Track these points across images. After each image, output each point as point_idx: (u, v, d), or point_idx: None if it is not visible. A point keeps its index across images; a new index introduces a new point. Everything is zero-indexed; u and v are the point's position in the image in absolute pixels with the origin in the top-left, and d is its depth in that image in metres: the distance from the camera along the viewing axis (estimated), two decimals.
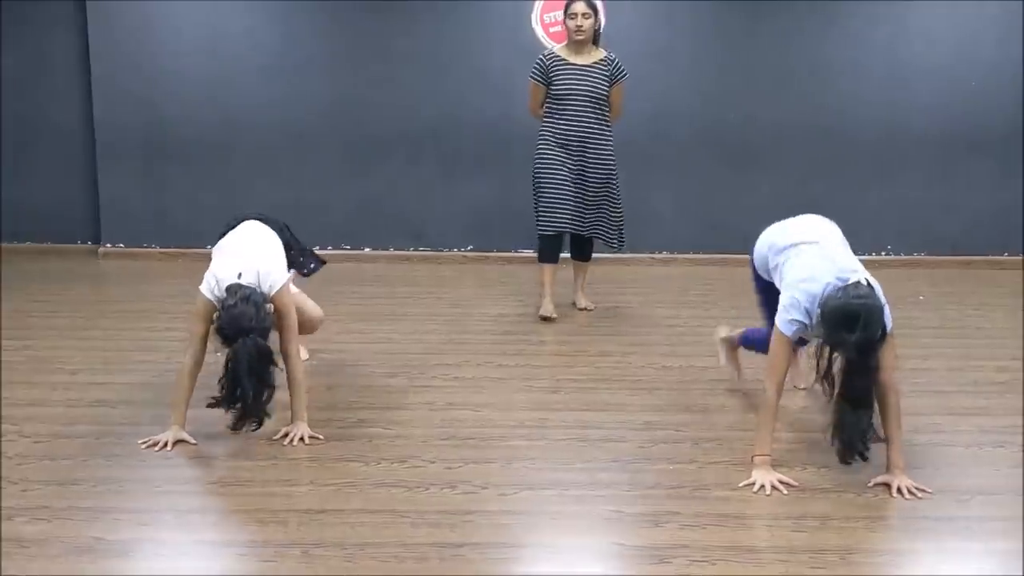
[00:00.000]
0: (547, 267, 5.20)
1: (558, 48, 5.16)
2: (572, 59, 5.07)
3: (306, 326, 3.89)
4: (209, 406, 3.29)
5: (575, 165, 5.09)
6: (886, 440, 3.09)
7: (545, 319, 5.08)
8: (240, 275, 3.37)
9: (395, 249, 6.96)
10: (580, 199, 5.12)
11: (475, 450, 3.36)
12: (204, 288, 3.43)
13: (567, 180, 5.08)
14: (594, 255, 5.49)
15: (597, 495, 3.03)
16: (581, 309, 5.33)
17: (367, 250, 6.94)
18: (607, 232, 5.26)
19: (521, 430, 3.56)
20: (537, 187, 5.16)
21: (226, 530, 2.86)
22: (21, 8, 6.78)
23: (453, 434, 3.50)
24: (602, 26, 5.16)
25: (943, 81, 6.68)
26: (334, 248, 6.86)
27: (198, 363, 3.42)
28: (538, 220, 5.16)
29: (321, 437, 3.43)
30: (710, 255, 6.88)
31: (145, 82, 6.77)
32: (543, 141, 5.13)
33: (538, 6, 6.53)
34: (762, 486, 3.04)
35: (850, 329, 2.85)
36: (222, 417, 3.36)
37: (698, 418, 3.70)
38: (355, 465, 3.22)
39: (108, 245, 6.96)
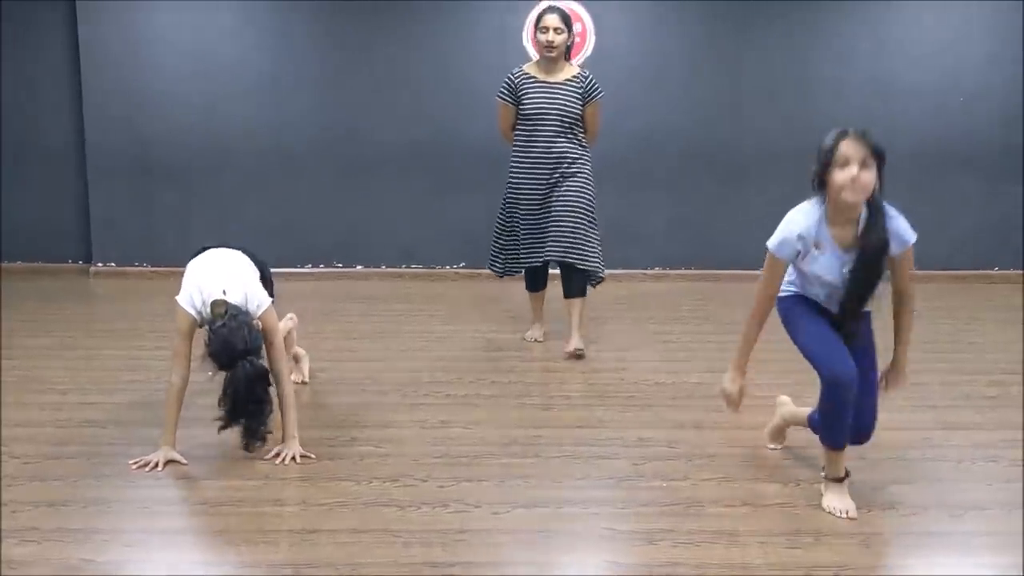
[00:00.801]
0: (532, 296, 5.09)
1: (528, 65, 4.87)
2: (542, 76, 4.77)
3: (287, 341, 3.88)
4: (220, 430, 3.28)
5: (545, 190, 4.78)
6: (896, 341, 3.02)
7: (535, 341, 5.00)
8: (225, 292, 3.35)
9: (387, 267, 6.96)
10: (546, 227, 4.78)
11: (468, 468, 3.35)
12: (184, 301, 3.40)
13: (528, 218, 4.82)
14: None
15: (590, 513, 3.02)
16: (569, 354, 4.68)
17: (359, 268, 6.94)
18: (581, 255, 4.76)
19: (514, 448, 3.55)
20: (498, 223, 5.00)
21: (217, 551, 2.84)
22: (13, 30, 6.79)
23: (446, 452, 3.49)
24: (584, 31, 4.94)
25: (929, 98, 6.72)
26: (326, 266, 6.86)
27: (185, 381, 3.41)
28: (489, 255, 5.10)
29: (313, 456, 3.41)
30: (702, 271, 6.91)
31: (136, 104, 6.78)
32: (513, 169, 4.87)
33: (529, 24, 6.55)
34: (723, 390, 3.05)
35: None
36: (212, 437, 3.34)
37: (691, 435, 3.69)
38: (347, 484, 3.20)
39: (99, 264, 6.95)
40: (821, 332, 2.96)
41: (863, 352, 2.99)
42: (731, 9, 6.65)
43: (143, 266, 6.91)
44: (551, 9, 4.71)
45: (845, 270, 2.86)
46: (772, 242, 2.97)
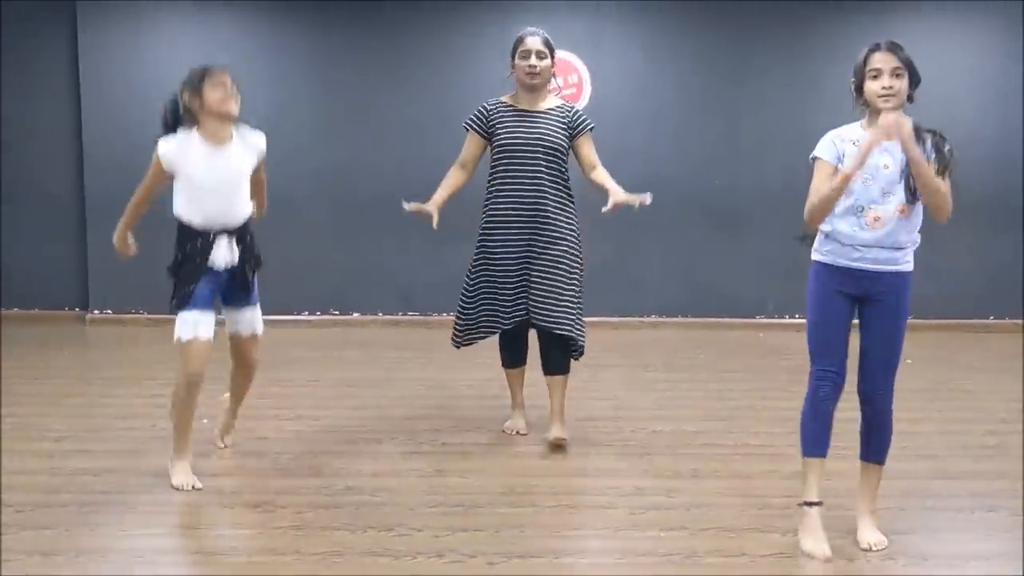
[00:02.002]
0: (510, 373, 4.33)
1: (505, 96, 4.22)
2: (521, 105, 4.14)
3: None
4: None
5: (526, 238, 4.08)
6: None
7: (517, 434, 4.26)
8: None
9: (384, 314, 6.96)
10: (527, 286, 4.08)
11: (463, 518, 3.32)
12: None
13: (508, 275, 4.11)
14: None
15: (587, 563, 2.99)
16: (551, 443, 4.06)
17: (356, 315, 6.94)
18: (561, 321, 4.02)
19: (510, 497, 3.52)
20: (466, 283, 4.25)
21: None
22: (13, 74, 6.86)
23: (441, 501, 3.46)
24: (558, 83, 4.27)
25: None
26: (323, 313, 6.86)
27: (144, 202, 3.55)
28: (454, 325, 4.31)
29: None
30: (699, 319, 6.91)
31: (136, 149, 6.78)
32: (488, 213, 4.18)
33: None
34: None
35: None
36: (208, 486, 3.31)
37: (689, 484, 3.67)
38: (341, 533, 3.17)
39: (96, 311, 6.94)
40: (825, 325, 3.01)
41: (891, 321, 3.03)
42: (726, 59, 6.75)
43: (140, 313, 6.91)
44: (532, 32, 4.11)
45: (883, 163, 2.92)
46: (815, 151, 3.04)
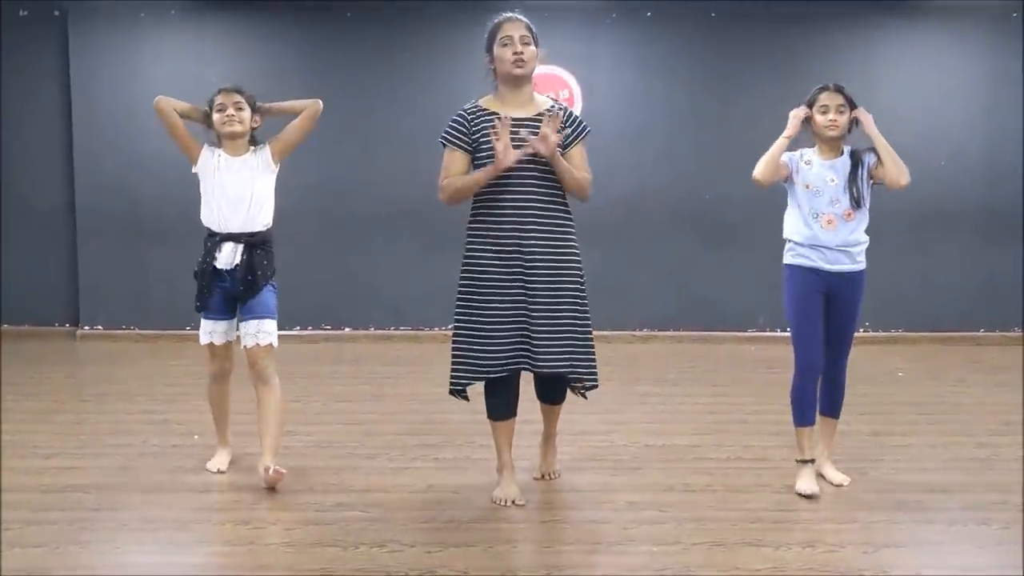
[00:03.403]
0: (498, 426, 3.63)
1: (484, 100, 3.56)
2: (506, 111, 3.44)
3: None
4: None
5: (513, 273, 3.45)
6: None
7: (513, 504, 3.56)
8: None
9: (375, 328, 6.95)
10: (521, 325, 3.46)
11: (456, 533, 3.30)
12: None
13: (501, 313, 3.47)
14: None
15: None
16: (538, 479, 3.82)
17: (347, 330, 6.92)
18: (570, 363, 3.53)
19: (503, 512, 3.51)
20: (456, 326, 3.59)
21: None
22: (4, 89, 6.84)
23: (434, 517, 3.45)
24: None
25: (911, 159, 6.69)
26: (314, 328, 6.84)
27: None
28: (452, 370, 3.60)
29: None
30: (690, 332, 6.92)
31: (127, 165, 6.82)
32: (472, 248, 3.54)
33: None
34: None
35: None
36: (199, 502, 3.29)
37: (682, 498, 3.66)
38: (333, 550, 3.16)
39: (86, 328, 6.91)
40: (806, 321, 3.65)
41: (848, 313, 3.69)
42: (716, 74, 6.79)
43: (131, 329, 6.88)
44: (511, 17, 3.50)
45: (829, 177, 3.63)
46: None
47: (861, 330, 6.89)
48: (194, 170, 3.84)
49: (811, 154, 3.70)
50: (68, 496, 3.63)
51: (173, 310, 6.82)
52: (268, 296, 3.77)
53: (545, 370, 3.47)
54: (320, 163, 6.78)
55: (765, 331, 6.90)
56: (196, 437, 4.38)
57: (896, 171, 3.65)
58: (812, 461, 3.72)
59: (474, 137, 3.48)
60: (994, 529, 3.36)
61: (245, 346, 3.74)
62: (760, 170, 3.67)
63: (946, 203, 6.87)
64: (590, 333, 3.63)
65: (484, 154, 3.45)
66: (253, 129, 3.87)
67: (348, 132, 6.80)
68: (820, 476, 3.77)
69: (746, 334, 6.91)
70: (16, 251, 6.96)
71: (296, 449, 4.20)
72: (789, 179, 3.70)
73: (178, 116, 3.83)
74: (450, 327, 6.26)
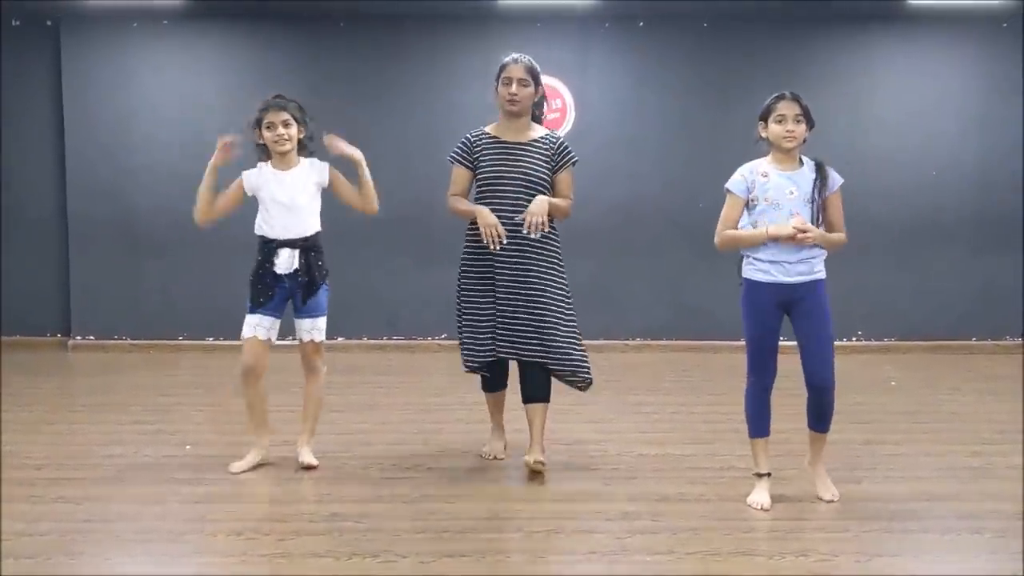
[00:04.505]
0: (490, 397, 4.32)
1: (490, 126, 4.18)
2: (504, 136, 4.10)
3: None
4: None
5: (504, 279, 4.01)
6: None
7: (494, 459, 4.24)
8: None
9: (369, 338, 6.94)
10: (511, 319, 4.02)
11: (449, 543, 3.30)
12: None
13: (489, 303, 4.05)
14: None
15: None
16: (530, 466, 3.99)
17: (340, 339, 6.91)
18: (559, 361, 4.03)
19: (495, 522, 3.50)
20: (459, 314, 4.18)
21: None
22: None
23: (427, 527, 3.44)
24: (545, 102, 4.20)
25: (904, 169, 6.85)
26: None
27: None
28: (462, 353, 4.18)
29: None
30: (684, 341, 6.92)
31: (120, 174, 6.81)
32: (467, 250, 4.12)
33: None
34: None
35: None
36: (191, 513, 3.27)
37: (675, 507, 3.66)
38: (326, 560, 3.15)
39: (78, 337, 6.89)
40: (761, 339, 3.70)
41: (817, 317, 3.61)
42: (710, 84, 6.80)
43: (123, 339, 6.86)
44: (516, 60, 4.07)
45: (788, 189, 3.54)
46: (728, 183, 3.68)
47: (854, 339, 6.92)
48: (249, 195, 4.07)
49: (766, 165, 3.60)
50: (59, 507, 3.62)
51: (166, 319, 6.83)
52: (323, 296, 4.07)
53: (525, 359, 4.04)
54: None
55: None
56: (188, 447, 4.37)
57: (835, 243, 3.60)
58: (768, 475, 3.69)
59: (475, 157, 4.12)
60: (988, 538, 3.37)
61: (301, 340, 4.07)
62: (721, 241, 3.69)
63: (939, 212, 6.89)
64: (573, 331, 4.10)
65: (483, 172, 4.09)
66: (299, 140, 4.05)
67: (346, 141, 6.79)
68: (816, 496, 3.71)
69: (740, 343, 6.87)
70: (7, 260, 6.95)
71: (288, 460, 4.18)
72: (749, 205, 3.63)
73: (217, 203, 4.05)
74: (443, 336, 6.36)
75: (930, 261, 6.96)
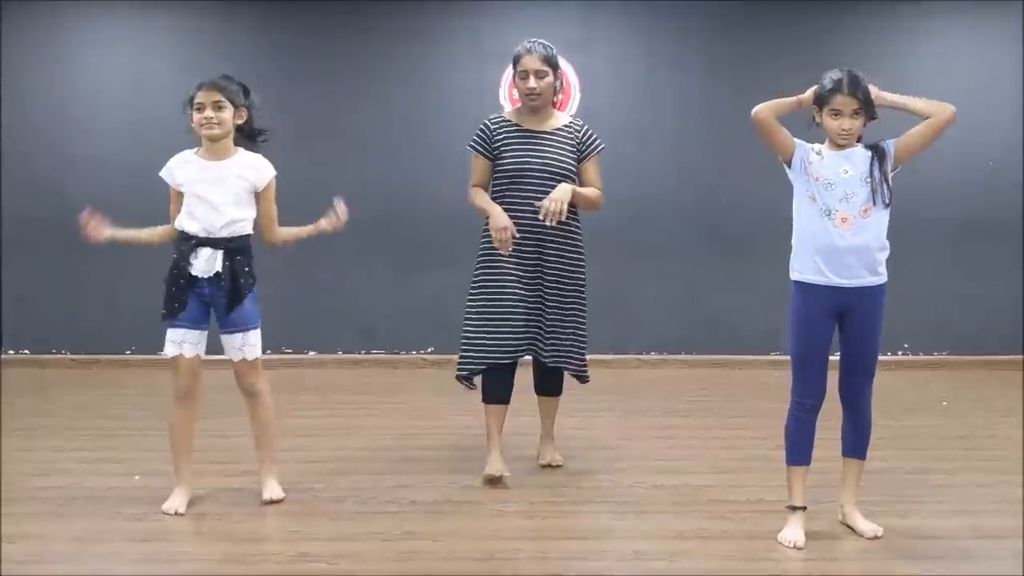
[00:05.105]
0: (491, 409, 4.37)
1: (509, 112, 4.44)
2: (526, 124, 4.33)
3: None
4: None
5: (531, 271, 4.28)
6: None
7: (490, 480, 4.29)
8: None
9: (343, 352, 6.93)
10: (536, 317, 4.32)
11: None
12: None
13: (517, 300, 4.28)
14: None
15: None
16: (545, 466, 4.54)
17: (311, 354, 6.90)
18: (569, 360, 4.41)
19: (490, 563, 3.49)
20: (468, 311, 4.37)
21: None
22: None
23: (410, 569, 3.43)
24: (567, 86, 4.48)
25: (953, 161, 6.86)
26: (273, 352, 6.81)
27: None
28: (460, 356, 4.37)
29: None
30: (704, 356, 6.93)
31: (59, 167, 6.80)
32: (486, 251, 4.33)
33: (507, 76, 6.65)
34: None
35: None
36: (135, 552, 3.25)
37: (695, 546, 3.65)
38: None
39: (10, 352, 6.88)
40: (812, 348, 3.63)
41: (870, 328, 3.63)
42: (730, 63, 6.82)
43: (62, 353, 6.84)
44: (530, 48, 4.26)
45: (842, 168, 3.61)
46: None
47: (900, 353, 6.92)
48: (178, 191, 4.00)
49: (821, 147, 3.70)
50: None
51: (111, 332, 6.81)
52: (250, 305, 4.01)
53: (550, 363, 4.36)
54: (281, 165, 6.72)
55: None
56: (137, 478, 4.35)
57: (934, 108, 3.60)
58: (804, 508, 3.69)
59: (495, 145, 4.32)
60: None
61: (232, 360, 3.99)
62: (764, 106, 3.67)
63: (994, 209, 6.90)
64: (586, 332, 4.47)
65: (503, 161, 4.29)
66: (239, 126, 3.97)
67: (314, 128, 6.81)
68: (848, 528, 3.74)
69: (768, 358, 6.92)
70: None
71: (252, 492, 4.17)
72: (793, 165, 3.67)
73: (154, 237, 4.10)
74: (430, 350, 6.38)
75: (984, 265, 6.96)
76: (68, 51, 6.76)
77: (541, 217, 4.13)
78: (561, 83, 4.41)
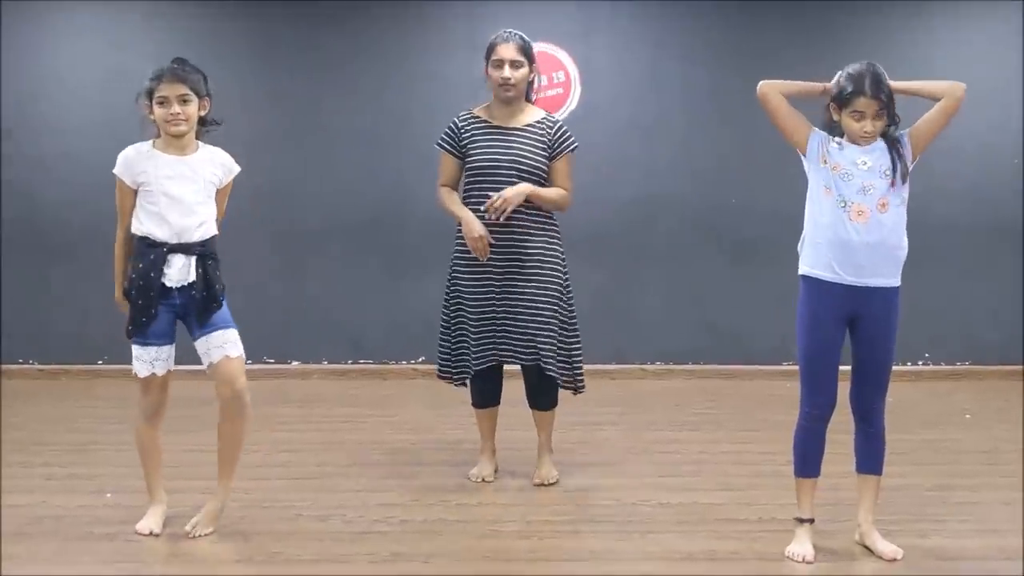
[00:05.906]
0: (481, 413, 4.63)
1: (478, 108, 4.53)
2: (495, 121, 4.44)
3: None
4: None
5: (501, 275, 4.39)
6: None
7: (483, 481, 4.57)
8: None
9: (329, 362, 6.93)
10: (511, 320, 4.41)
11: None
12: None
13: (483, 311, 4.41)
14: None
15: None
16: (538, 485, 4.53)
17: (295, 364, 6.90)
18: (548, 357, 4.41)
19: None
20: (443, 316, 4.59)
21: None
22: None
23: None
24: (540, 82, 4.60)
25: (975, 160, 6.88)
26: (255, 362, 6.79)
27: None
28: (438, 358, 4.63)
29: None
30: (712, 366, 6.93)
31: (25, 165, 6.79)
32: (460, 242, 4.45)
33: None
34: None
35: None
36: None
37: (703, 568, 3.65)
38: None
39: None
40: (822, 353, 3.63)
41: (884, 334, 3.63)
42: (740, 55, 6.82)
43: (29, 363, 6.83)
44: (506, 37, 4.39)
45: (860, 160, 3.62)
46: None
47: (919, 363, 6.93)
48: (138, 189, 3.81)
49: (841, 139, 3.70)
50: None
51: (80, 339, 6.79)
52: (225, 308, 3.92)
53: (528, 361, 4.40)
54: (263, 163, 6.77)
55: None
56: (109, 495, 4.34)
57: (945, 88, 3.71)
58: (811, 521, 3.72)
59: (463, 142, 4.44)
60: None
61: (212, 362, 3.85)
62: (771, 83, 3.82)
63: (1014, 210, 6.91)
64: (573, 334, 4.51)
65: (472, 158, 4.42)
66: (202, 118, 3.87)
67: (297, 126, 6.82)
68: (866, 548, 3.73)
69: (779, 368, 6.91)
70: None
71: (231, 510, 4.15)
72: (808, 153, 3.69)
73: (124, 257, 3.87)
74: (420, 360, 6.45)
75: (1008, 271, 6.97)
76: (35, 44, 6.74)
77: (483, 210, 4.28)
78: (535, 77, 4.51)
